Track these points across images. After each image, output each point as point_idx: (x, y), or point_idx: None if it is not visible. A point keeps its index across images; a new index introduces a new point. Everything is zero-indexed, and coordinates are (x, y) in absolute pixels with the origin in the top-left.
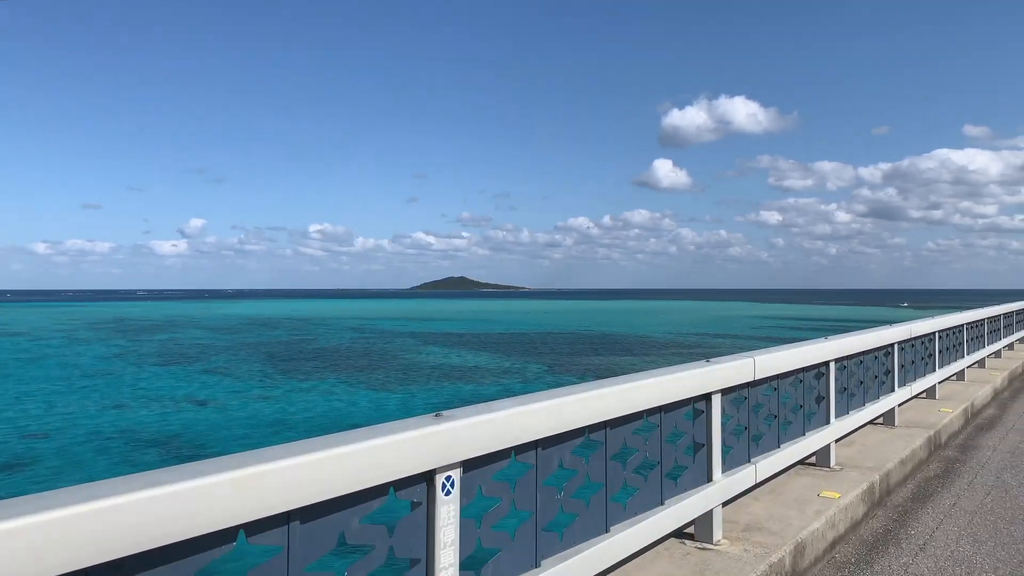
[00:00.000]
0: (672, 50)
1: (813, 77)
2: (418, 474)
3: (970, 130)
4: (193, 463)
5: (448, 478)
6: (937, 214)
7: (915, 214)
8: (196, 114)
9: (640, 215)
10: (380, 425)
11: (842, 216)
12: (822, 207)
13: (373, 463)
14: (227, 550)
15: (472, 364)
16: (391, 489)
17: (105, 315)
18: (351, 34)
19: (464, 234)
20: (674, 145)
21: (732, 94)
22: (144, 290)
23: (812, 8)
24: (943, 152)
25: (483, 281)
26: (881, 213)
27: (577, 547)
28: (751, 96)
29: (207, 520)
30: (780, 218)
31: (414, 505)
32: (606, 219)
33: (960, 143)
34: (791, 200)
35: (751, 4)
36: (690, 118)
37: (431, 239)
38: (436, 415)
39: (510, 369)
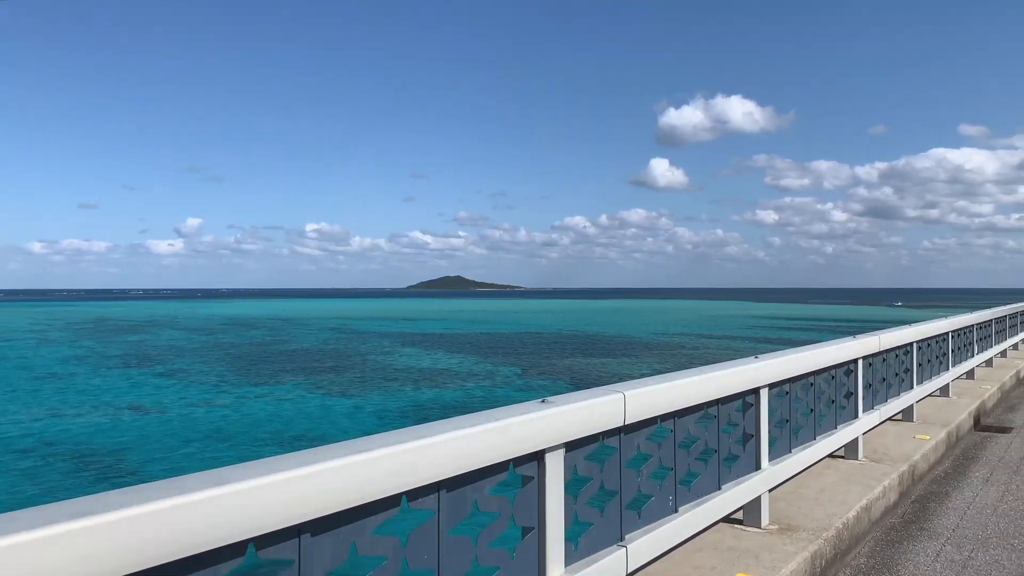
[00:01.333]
0: (669, 49)
1: (810, 76)
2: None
3: (966, 129)
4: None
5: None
6: (933, 213)
7: (911, 213)
8: (192, 113)
9: (637, 214)
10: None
11: (838, 215)
12: (818, 206)
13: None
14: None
15: (443, 367)
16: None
17: (88, 315)
18: (349, 34)
19: (461, 233)
20: (671, 144)
21: (729, 93)
22: (140, 290)
23: (809, 7)
24: (939, 151)
25: (479, 280)
26: (877, 212)
27: None
28: (748, 95)
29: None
30: (776, 217)
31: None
32: (603, 218)
33: (956, 142)
34: (788, 199)
35: (748, 3)
36: (687, 117)
37: (428, 239)
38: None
39: (480, 372)
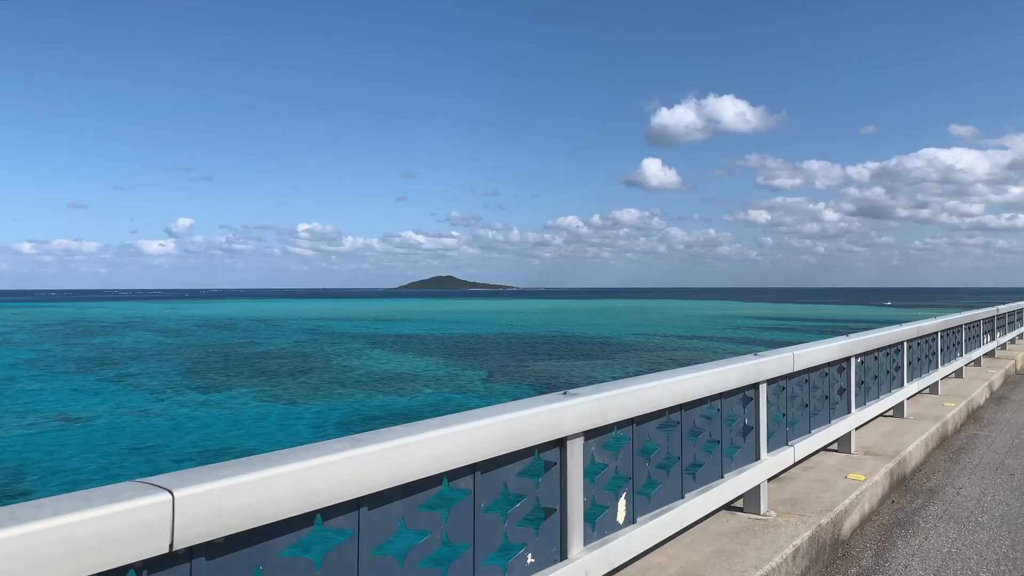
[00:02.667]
0: (661, 49)
1: (801, 76)
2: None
3: (956, 129)
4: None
5: None
6: (924, 213)
7: (902, 213)
8: (183, 112)
9: (629, 214)
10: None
11: (830, 215)
12: (810, 206)
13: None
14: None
15: (406, 371)
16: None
17: (64, 316)
18: (341, 33)
19: (454, 233)
20: (663, 144)
21: (721, 93)
22: (128, 290)
23: (801, 7)
24: (930, 151)
25: (471, 280)
26: (869, 212)
27: None
28: (739, 95)
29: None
30: (768, 217)
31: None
32: (595, 218)
33: (947, 142)
34: (779, 199)
35: (740, 4)
36: (679, 117)
37: (420, 238)
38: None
39: (443, 377)
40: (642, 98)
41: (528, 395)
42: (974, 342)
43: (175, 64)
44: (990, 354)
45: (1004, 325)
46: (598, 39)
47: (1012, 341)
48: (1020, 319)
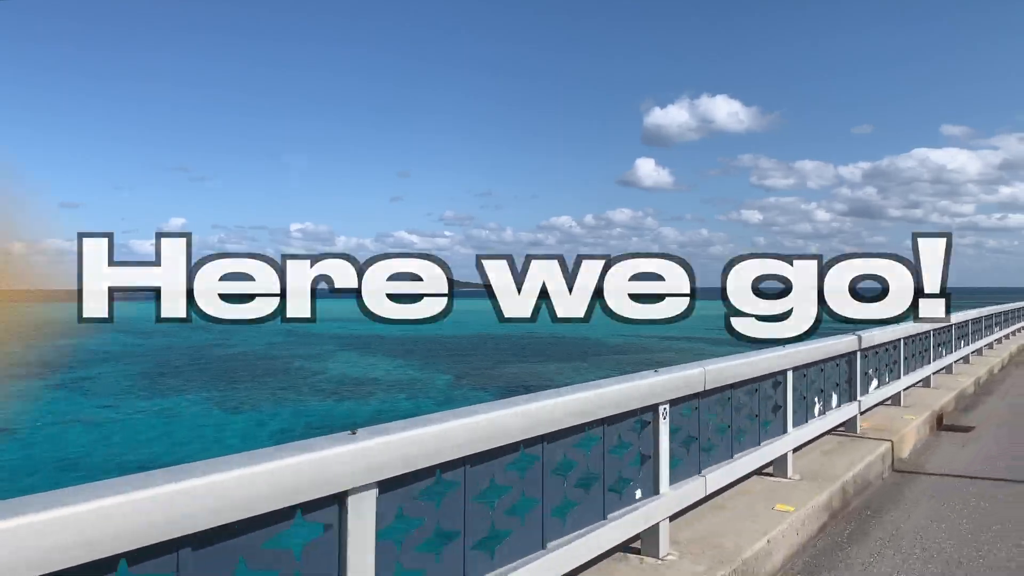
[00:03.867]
0: (660, 49)
1: (795, 75)
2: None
3: (948, 129)
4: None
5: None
6: (916, 213)
7: (895, 213)
8: (183, 112)
9: (623, 214)
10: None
11: (822, 215)
12: (803, 206)
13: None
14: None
15: (374, 375)
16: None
17: (42, 317)
18: (341, 33)
19: (447, 233)
20: (658, 144)
21: (716, 92)
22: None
23: (798, 7)
24: (922, 151)
25: (464, 280)
26: (861, 212)
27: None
28: (734, 95)
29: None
30: (760, 217)
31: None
32: (588, 218)
33: (939, 142)
34: (772, 199)
35: (737, 3)
36: (672, 117)
37: (415, 238)
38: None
39: (409, 381)
40: (639, 98)
41: (496, 399)
42: (771, 425)
43: (173, 64)
44: (850, 426)
45: (892, 364)
46: (597, 39)
47: (928, 382)
48: (944, 344)
